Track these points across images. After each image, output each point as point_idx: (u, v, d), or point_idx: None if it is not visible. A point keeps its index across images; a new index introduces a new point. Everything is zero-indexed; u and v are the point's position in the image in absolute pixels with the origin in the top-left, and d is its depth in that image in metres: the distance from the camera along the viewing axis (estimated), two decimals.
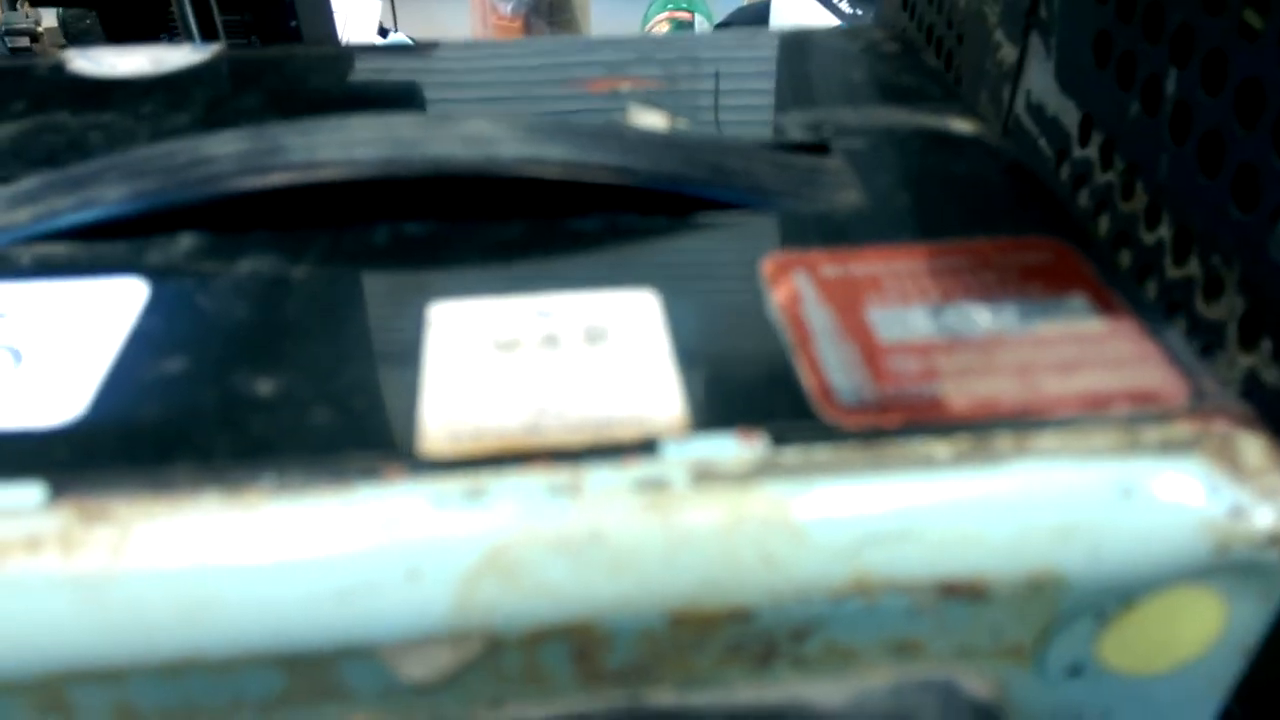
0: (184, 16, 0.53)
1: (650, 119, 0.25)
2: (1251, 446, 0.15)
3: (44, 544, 0.13)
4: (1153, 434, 0.15)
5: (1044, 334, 0.17)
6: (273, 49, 0.28)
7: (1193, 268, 0.22)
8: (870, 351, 0.17)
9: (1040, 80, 0.30)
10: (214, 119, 0.25)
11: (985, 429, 0.15)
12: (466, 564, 0.14)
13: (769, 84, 0.27)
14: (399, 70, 0.28)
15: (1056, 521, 0.14)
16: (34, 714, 0.14)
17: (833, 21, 0.82)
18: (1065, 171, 0.28)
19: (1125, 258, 0.25)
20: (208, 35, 0.53)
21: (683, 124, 0.25)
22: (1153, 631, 0.16)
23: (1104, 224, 0.26)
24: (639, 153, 0.21)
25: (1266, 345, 0.19)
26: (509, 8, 0.87)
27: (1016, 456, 0.15)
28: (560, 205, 0.21)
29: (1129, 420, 0.16)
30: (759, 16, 0.90)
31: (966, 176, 0.23)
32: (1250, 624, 0.16)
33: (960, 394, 0.16)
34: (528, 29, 0.87)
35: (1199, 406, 0.16)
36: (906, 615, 0.15)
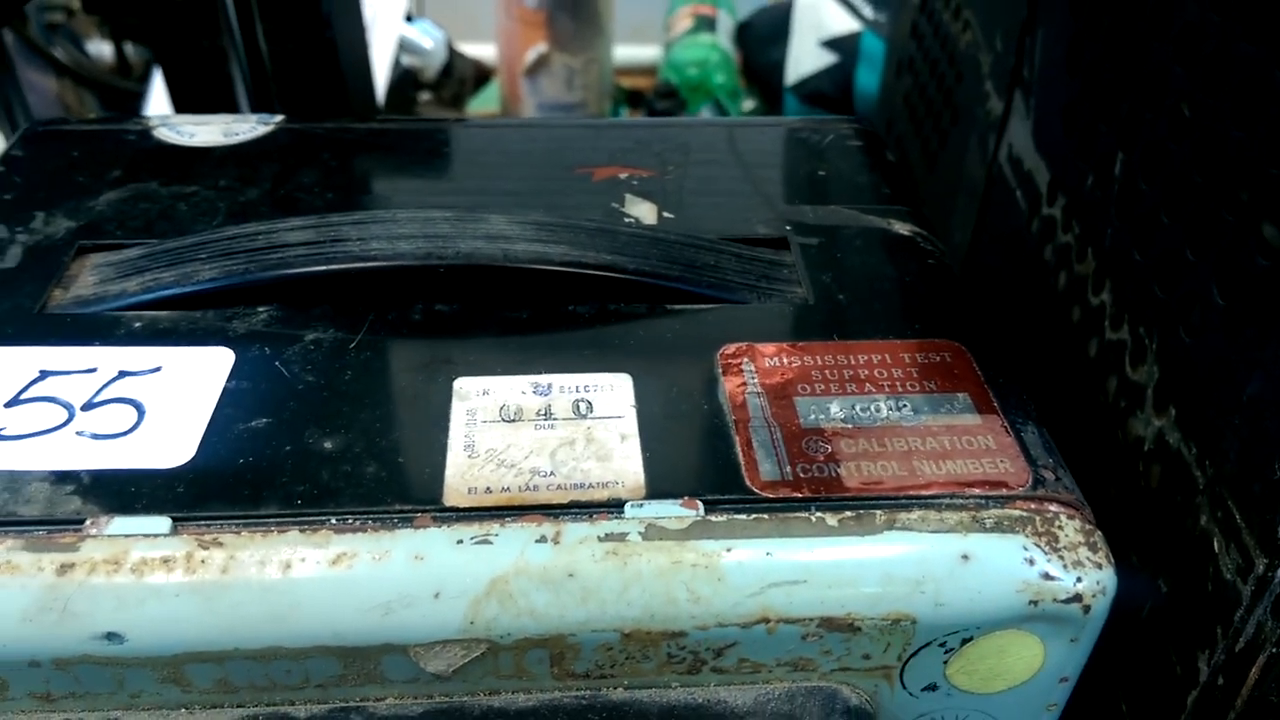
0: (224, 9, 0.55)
1: (642, 209, 0.30)
2: (1069, 526, 0.20)
3: (174, 562, 0.18)
4: (992, 514, 0.20)
5: (929, 425, 0.22)
6: (324, 125, 0.33)
7: (1125, 333, 0.26)
8: (791, 434, 0.22)
9: (1020, 136, 0.32)
10: (279, 194, 0.30)
11: (868, 504, 0.20)
12: (475, 590, 0.19)
13: (746, 175, 0.32)
14: (437, 149, 0.33)
15: (911, 578, 0.20)
16: (158, 683, 0.19)
17: (853, 23, 0.81)
18: (1035, 225, 0.31)
19: (1076, 314, 0.29)
20: (245, 27, 0.55)
21: (669, 215, 0.30)
22: (988, 661, 0.21)
23: (1062, 280, 0.29)
24: (627, 251, 0.26)
25: (1172, 411, 0.24)
26: (534, 0, 0.87)
27: (886, 528, 0.20)
28: (562, 291, 0.26)
29: (978, 501, 0.21)
30: (782, 15, 0.89)
31: (896, 277, 0.28)
32: (1065, 659, 0.21)
33: (854, 474, 0.21)
34: (551, 22, 0.89)
35: (1034, 493, 0.21)
36: (798, 640, 0.20)
